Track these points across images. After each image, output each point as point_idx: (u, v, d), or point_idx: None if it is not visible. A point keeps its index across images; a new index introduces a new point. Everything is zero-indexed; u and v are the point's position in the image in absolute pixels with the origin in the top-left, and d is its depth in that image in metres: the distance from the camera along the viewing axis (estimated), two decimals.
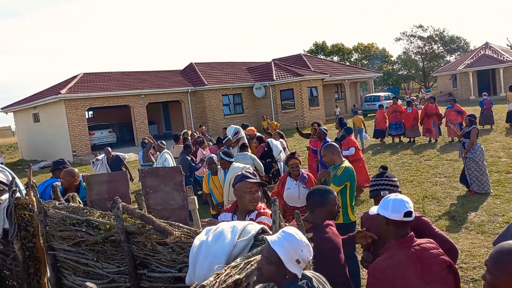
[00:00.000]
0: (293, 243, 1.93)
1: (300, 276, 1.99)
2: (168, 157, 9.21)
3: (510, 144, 13.05)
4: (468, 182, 8.55)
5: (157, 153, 9.81)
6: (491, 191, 8.38)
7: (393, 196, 2.55)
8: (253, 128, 11.48)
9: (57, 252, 4.04)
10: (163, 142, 9.98)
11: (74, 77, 23.90)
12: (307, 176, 5.19)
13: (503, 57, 33.51)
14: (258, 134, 10.70)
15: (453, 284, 2.45)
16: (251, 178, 3.48)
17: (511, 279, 1.52)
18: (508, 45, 40.30)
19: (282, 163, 9.54)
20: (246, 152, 8.33)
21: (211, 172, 6.22)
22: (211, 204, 6.39)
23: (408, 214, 2.44)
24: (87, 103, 21.89)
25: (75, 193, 4.33)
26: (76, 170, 4.97)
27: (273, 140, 9.78)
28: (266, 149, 9.26)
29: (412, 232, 2.52)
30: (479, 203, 7.82)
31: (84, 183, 4.67)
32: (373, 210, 2.68)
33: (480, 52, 35.69)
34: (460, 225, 6.85)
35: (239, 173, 3.66)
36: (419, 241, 2.50)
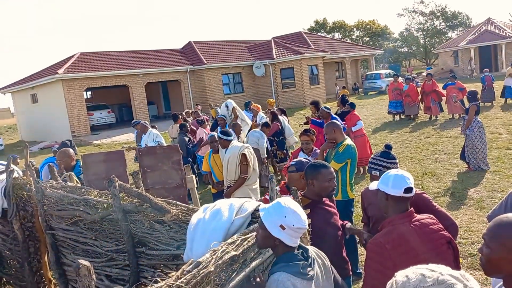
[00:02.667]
0: (276, 209, 2.05)
1: (294, 245, 2.06)
2: (158, 133, 9.21)
3: (511, 120, 12.98)
4: (466, 159, 8.56)
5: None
6: (488, 167, 8.37)
7: (394, 171, 2.51)
8: (257, 105, 11.43)
9: (56, 232, 4.06)
10: (146, 122, 9.85)
11: (71, 56, 23.64)
12: (319, 151, 5.20)
13: (505, 33, 33.03)
14: (271, 109, 10.66)
15: (452, 259, 2.43)
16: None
17: (509, 254, 1.50)
18: (510, 20, 39.71)
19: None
20: (257, 129, 8.53)
21: (213, 150, 6.21)
22: (211, 182, 6.40)
23: (408, 190, 2.42)
24: (84, 83, 21.72)
25: (72, 173, 4.31)
26: (72, 150, 4.94)
27: (285, 119, 9.81)
28: (280, 127, 9.27)
29: (411, 208, 2.50)
30: (479, 179, 7.82)
31: (81, 163, 4.65)
32: (373, 185, 2.65)
33: (482, 28, 35.18)
34: (459, 201, 6.87)
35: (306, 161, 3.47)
36: (418, 216, 2.48)
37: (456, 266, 2.48)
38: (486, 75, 16.51)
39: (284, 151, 9.14)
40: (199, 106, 16.61)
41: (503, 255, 1.51)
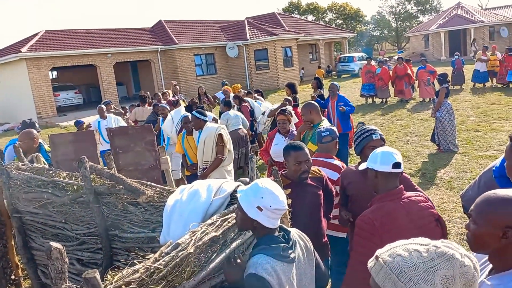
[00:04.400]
0: (253, 190, 1.99)
1: (273, 227, 2.01)
2: (117, 117, 8.87)
3: (479, 103, 13.35)
4: (436, 141, 8.76)
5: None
6: (457, 149, 8.58)
7: (380, 149, 2.54)
8: (229, 87, 11.31)
9: (23, 215, 3.88)
10: (103, 106, 9.06)
11: (35, 34, 22.65)
12: (296, 133, 5.15)
13: (474, 17, 33.83)
14: (235, 93, 10.53)
15: (440, 237, 2.45)
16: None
17: (495, 230, 1.50)
18: (479, 5, 40.62)
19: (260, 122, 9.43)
20: (237, 113, 8.37)
21: (186, 132, 6.05)
22: (185, 165, 6.27)
23: (396, 165, 2.45)
24: (50, 62, 20.89)
25: (39, 154, 4.11)
26: (35, 132, 4.66)
27: (252, 100, 9.71)
28: (249, 108, 9.17)
29: (401, 185, 2.52)
30: (448, 161, 8.01)
31: (45, 146, 4.42)
32: (362, 166, 2.68)
33: (452, 12, 35.88)
34: (430, 182, 7.02)
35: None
36: (408, 194, 2.50)
37: None
38: (456, 59, 16.84)
39: (253, 133, 9.11)
40: (174, 81, 15.87)
41: (489, 231, 1.51)
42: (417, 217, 2.38)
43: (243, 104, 9.18)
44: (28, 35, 25.91)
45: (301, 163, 3.00)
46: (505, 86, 15.76)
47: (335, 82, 8.38)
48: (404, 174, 3.01)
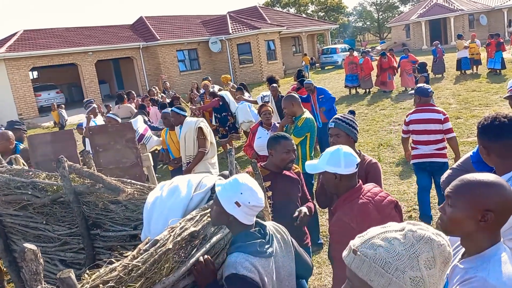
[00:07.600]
0: (232, 185, 1.98)
1: (249, 223, 1.99)
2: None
3: (460, 91, 13.53)
4: None
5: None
6: None
7: (341, 151, 2.40)
8: (207, 82, 11.31)
9: (3, 218, 3.82)
10: (94, 105, 9.08)
11: (13, 34, 22.20)
12: (278, 126, 5.17)
13: (454, 6, 34.20)
14: (211, 90, 10.49)
15: (399, 221, 2.47)
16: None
17: (475, 213, 1.50)
18: None
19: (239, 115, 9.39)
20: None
21: (169, 127, 6.05)
22: (167, 159, 6.27)
23: (358, 164, 2.40)
24: (30, 62, 20.54)
25: (18, 155, 4.04)
26: (10, 132, 4.62)
27: (228, 94, 9.67)
28: (221, 103, 9.15)
29: (360, 181, 2.47)
30: None
31: (21, 146, 4.35)
32: (313, 168, 2.50)
33: (432, 1, 36.20)
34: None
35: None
36: (366, 188, 2.47)
37: None
38: (437, 48, 16.98)
39: (227, 128, 9.12)
40: (163, 75, 15.82)
41: (468, 214, 1.51)
42: (381, 207, 2.37)
43: (214, 99, 9.27)
44: (6, 35, 25.42)
45: (289, 152, 3.06)
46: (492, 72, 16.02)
47: (309, 80, 8.32)
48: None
